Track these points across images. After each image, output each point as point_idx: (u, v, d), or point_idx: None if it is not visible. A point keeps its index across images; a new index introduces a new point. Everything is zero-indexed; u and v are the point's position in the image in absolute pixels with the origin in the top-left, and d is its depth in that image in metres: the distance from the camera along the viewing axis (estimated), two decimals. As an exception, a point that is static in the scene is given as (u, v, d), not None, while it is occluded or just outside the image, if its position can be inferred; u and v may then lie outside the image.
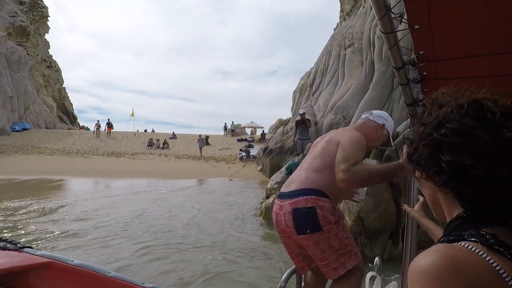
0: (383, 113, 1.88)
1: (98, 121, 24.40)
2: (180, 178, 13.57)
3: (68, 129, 33.22)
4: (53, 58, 41.58)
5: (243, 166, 16.68)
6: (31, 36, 32.54)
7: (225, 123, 30.24)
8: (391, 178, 1.60)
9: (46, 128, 27.95)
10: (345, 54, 16.52)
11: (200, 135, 23.16)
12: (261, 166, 15.71)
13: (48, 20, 36.47)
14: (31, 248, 1.29)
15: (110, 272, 1.20)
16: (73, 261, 1.22)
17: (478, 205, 0.54)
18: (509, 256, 0.47)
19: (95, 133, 23.84)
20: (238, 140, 24.35)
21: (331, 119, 14.43)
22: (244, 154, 18.21)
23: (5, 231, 5.49)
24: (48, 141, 21.40)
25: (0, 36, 24.51)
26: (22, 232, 5.52)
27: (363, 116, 1.90)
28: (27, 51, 28.93)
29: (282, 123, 35.34)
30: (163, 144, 21.76)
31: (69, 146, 20.55)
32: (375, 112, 1.87)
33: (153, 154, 19.56)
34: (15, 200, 8.24)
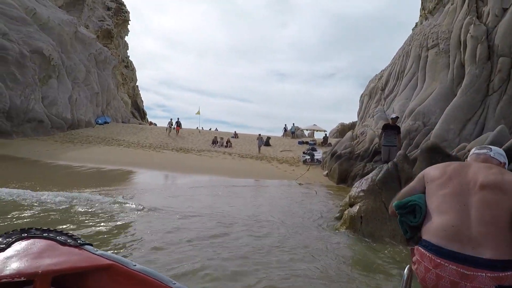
0: (501, 150, 1.63)
1: (171, 119, 25.57)
2: (246, 177, 13.72)
3: (139, 123, 36.23)
4: (129, 58, 45.75)
5: (308, 170, 16.29)
6: (114, 39, 36.18)
7: (285, 125, 30.12)
8: None
9: (123, 122, 30.80)
10: (427, 56, 15.15)
11: (259, 135, 23.55)
12: (327, 171, 15.18)
13: (129, 24, 40.21)
14: (92, 245, 1.22)
15: (175, 283, 1.10)
16: (135, 265, 1.14)
17: None
18: None
19: (167, 130, 25.01)
20: (299, 143, 23.98)
21: (409, 126, 13.33)
22: (308, 157, 17.80)
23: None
24: (125, 134, 23.47)
25: (91, 38, 27.61)
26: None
27: (479, 151, 1.63)
28: (111, 52, 32.15)
29: (344, 127, 34.10)
30: (227, 143, 22.36)
31: (142, 140, 22.26)
32: (494, 148, 1.61)
33: (217, 152, 20.19)
34: (104, 188, 9.04)
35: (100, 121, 26.42)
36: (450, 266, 1.27)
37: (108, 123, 26.99)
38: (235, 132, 27.05)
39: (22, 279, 0.98)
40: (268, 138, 24.03)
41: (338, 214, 7.81)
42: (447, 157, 7.16)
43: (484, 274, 1.21)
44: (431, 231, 1.39)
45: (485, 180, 1.41)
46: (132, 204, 6.87)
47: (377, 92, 19.32)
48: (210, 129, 33.40)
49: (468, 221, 1.33)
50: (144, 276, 1.11)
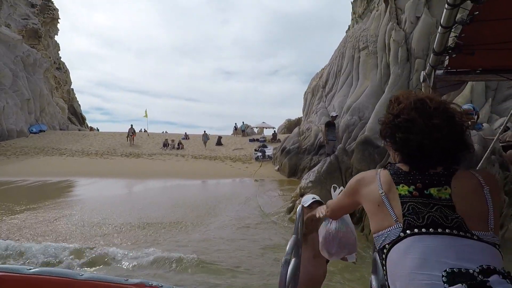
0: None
1: (132, 125, 23.24)
2: (201, 178, 14.05)
3: (78, 130, 33.76)
4: (61, 59, 42.06)
5: (260, 166, 17.14)
6: (42, 39, 33.02)
7: (235, 123, 30.74)
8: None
9: (60, 129, 28.48)
10: (359, 57, 16.93)
11: (204, 131, 24.53)
12: (278, 166, 16.17)
13: (59, 23, 36.95)
14: None
15: (82, 275, 1.07)
16: (29, 269, 1.08)
17: (408, 155, 1.02)
18: (389, 170, 1.04)
19: (128, 139, 22.75)
20: (250, 141, 24.79)
21: (347, 120, 14.86)
22: (260, 154, 18.65)
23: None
24: (66, 143, 21.89)
25: (16, 39, 24.97)
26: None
27: None
28: (40, 53, 29.38)
29: (291, 123, 35.86)
30: (178, 145, 22.22)
31: (87, 147, 21.02)
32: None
33: (170, 155, 20.02)
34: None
35: (34, 130, 24.14)
36: None
37: (44, 131, 24.79)
38: (185, 133, 26.90)
39: None
40: (220, 137, 24.42)
41: (290, 205, 8.69)
42: (377, 148, 8.45)
43: None
44: None
45: None
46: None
47: (318, 89, 20.92)
48: (163, 132, 32.32)
49: None
50: (44, 277, 1.05)
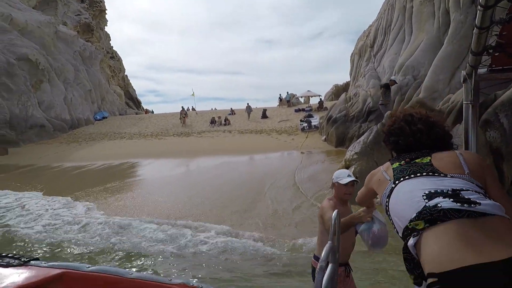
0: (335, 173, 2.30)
1: (182, 107, 24.76)
2: (249, 153, 14.30)
3: (135, 113, 36.41)
4: (113, 49, 44.80)
5: (306, 137, 16.79)
6: (95, 31, 35.35)
7: (280, 94, 30.21)
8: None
9: (120, 114, 31.04)
10: (412, 6, 15.00)
11: (247, 104, 25.07)
12: (325, 136, 15.66)
13: (106, 13, 39.01)
14: (39, 259, 1.23)
15: (131, 273, 1.15)
16: (88, 267, 1.17)
17: (401, 152, 1.38)
18: (391, 162, 1.37)
19: (181, 121, 23.58)
20: (296, 111, 24.27)
21: (400, 81, 13.56)
22: (305, 124, 18.21)
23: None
24: (125, 127, 23.86)
25: (73, 35, 27.11)
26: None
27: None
28: (94, 46, 31.62)
29: (338, 88, 34.12)
30: (225, 121, 22.74)
31: (143, 129, 22.68)
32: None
33: (217, 131, 20.66)
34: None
35: (98, 117, 26.73)
36: None
37: (106, 117, 27.30)
38: (231, 108, 27.30)
39: None
40: (265, 110, 24.31)
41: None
42: (431, 112, 7.60)
43: None
44: None
45: None
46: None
47: (366, 50, 19.29)
48: (212, 109, 33.34)
49: None
50: (99, 274, 1.14)
